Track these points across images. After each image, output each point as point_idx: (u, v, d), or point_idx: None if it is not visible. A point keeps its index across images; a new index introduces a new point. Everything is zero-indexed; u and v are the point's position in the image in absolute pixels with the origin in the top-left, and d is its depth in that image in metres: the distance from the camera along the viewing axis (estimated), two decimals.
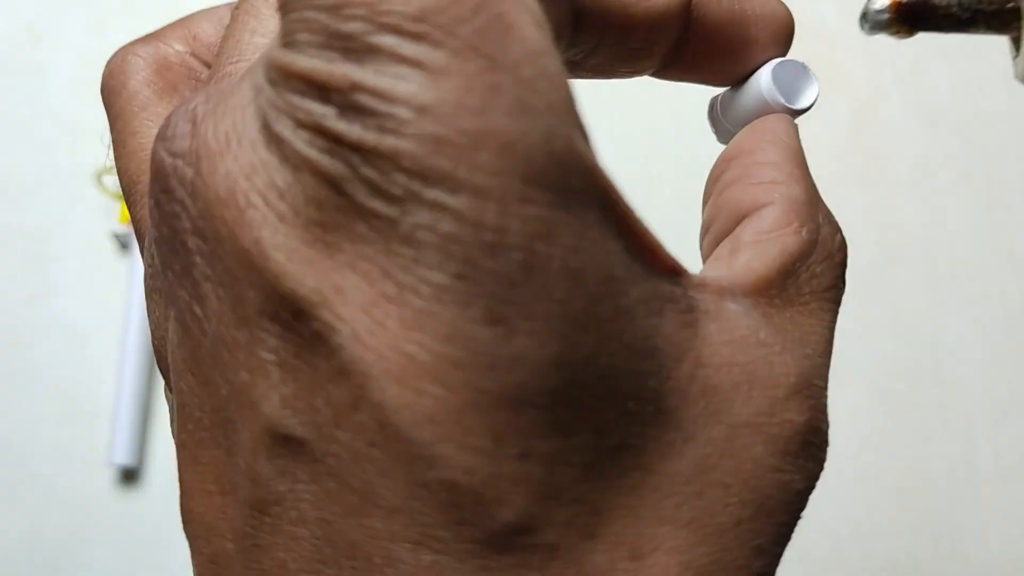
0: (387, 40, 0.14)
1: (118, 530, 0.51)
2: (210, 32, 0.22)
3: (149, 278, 0.18)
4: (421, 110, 0.14)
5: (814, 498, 0.17)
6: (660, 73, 0.22)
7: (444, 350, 0.14)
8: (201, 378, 0.16)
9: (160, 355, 0.18)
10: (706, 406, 0.16)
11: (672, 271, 0.16)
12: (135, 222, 0.20)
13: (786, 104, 0.22)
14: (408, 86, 0.14)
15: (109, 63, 0.21)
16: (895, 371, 0.54)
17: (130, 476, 0.52)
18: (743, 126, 0.22)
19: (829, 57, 0.58)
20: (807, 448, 0.17)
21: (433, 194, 0.14)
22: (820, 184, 0.20)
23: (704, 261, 0.20)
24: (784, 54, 0.23)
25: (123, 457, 0.51)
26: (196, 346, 0.16)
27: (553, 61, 0.14)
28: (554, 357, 0.14)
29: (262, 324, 0.15)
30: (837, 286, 0.19)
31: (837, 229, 0.20)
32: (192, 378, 0.16)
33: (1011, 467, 0.52)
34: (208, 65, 0.22)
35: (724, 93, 0.24)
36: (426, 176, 0.14)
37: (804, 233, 0.19)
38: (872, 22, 0.22)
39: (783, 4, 0.22)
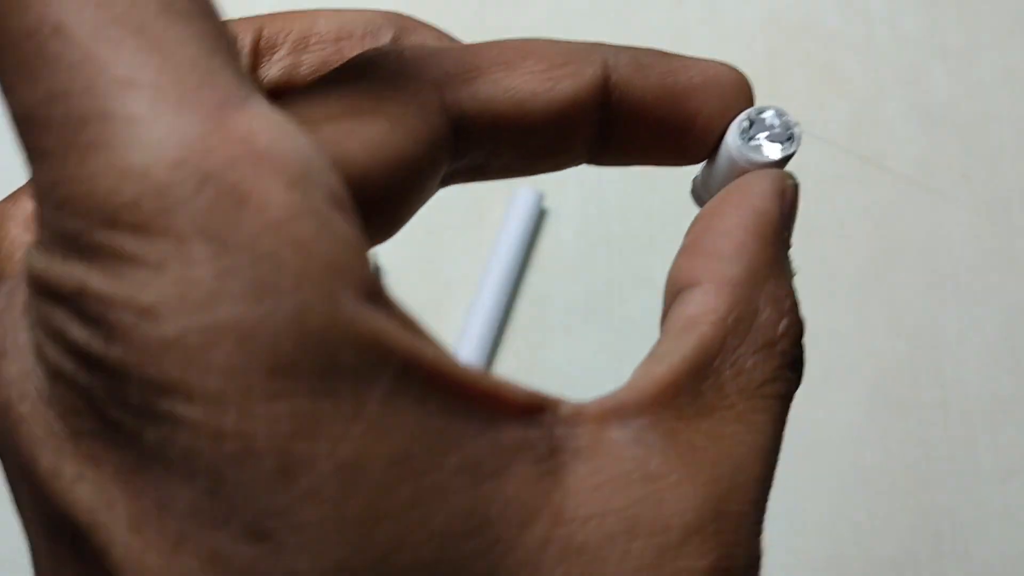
0: (106, 236, 0.12)
1: None
2: None
3: None
4: (141, 313, 0.12)
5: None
6: (596, 161, 0.20)
7: (209, 574, 0.12)
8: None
9: None
10: (567, 573, 0.14)
11: (528, 410, 0.14)
12: None
13: (756, 159, 0.19)
14: (126, 287, 0.12)
15: None
16: (895, 371, 0.54)
17: None
18: None
19: (829, 57, 0.58)
20: None
21: (166, 406, 0.12)
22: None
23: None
24: (746, 108, 0.20)
25: None
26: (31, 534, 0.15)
27: (308, 224, 0.13)
28: (335, 567, 0.12)
29: (58, 542, 0.14)
30: (780, 378, 0.17)
31: (786, 312, 0.17)
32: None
33: (1011, 467, 0.52)
34: None
35: (702, 167, 0.21)
36: (156, 387, 0.12)
37: (729, 321, 0.16)
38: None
39: (727, 67, 0.20)
